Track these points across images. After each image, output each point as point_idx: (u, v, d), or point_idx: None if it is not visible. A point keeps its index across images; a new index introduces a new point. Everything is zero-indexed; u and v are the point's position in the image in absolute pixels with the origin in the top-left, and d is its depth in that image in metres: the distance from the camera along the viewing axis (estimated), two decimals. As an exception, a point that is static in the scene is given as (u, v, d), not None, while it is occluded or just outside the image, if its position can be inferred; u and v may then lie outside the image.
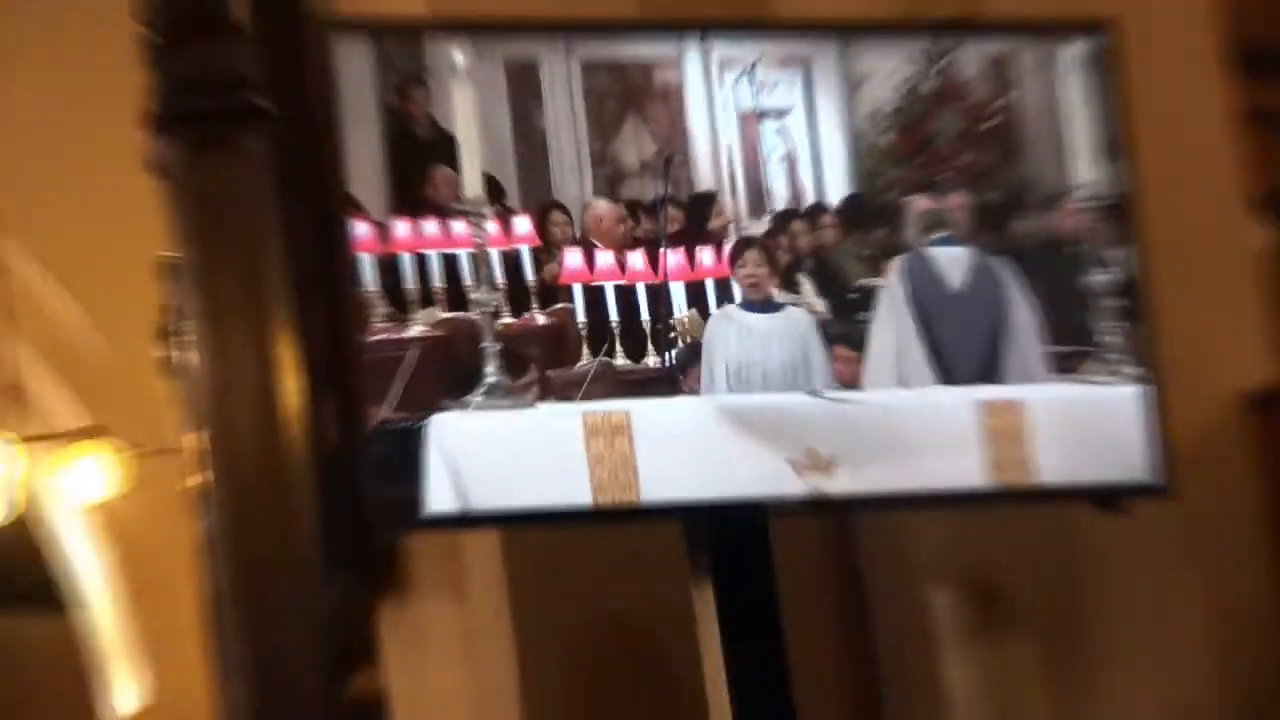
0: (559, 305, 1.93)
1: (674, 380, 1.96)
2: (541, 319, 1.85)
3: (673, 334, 1.90)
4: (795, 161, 2.06)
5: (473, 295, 1.82)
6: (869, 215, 2.06)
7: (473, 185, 1.87)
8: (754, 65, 2.02)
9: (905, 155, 2.08)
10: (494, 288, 1.82)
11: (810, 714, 1.97)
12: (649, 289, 1.95)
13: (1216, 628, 2.49)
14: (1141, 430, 1.97)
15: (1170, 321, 2.07)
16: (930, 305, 1.99)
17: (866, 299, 1.99)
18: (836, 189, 2.07)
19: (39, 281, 4.70)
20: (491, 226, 1.85)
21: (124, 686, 4.21)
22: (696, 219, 1.96)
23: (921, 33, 2.15)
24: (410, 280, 1.86)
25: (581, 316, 1.93)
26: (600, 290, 1.94)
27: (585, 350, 1.92)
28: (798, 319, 1.90)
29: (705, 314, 1.89)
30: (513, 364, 1.91)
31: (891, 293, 1.96)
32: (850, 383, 1.97)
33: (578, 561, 2.26)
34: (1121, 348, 1.98)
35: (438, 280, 1.82)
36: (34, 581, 4.35)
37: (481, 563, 2.31)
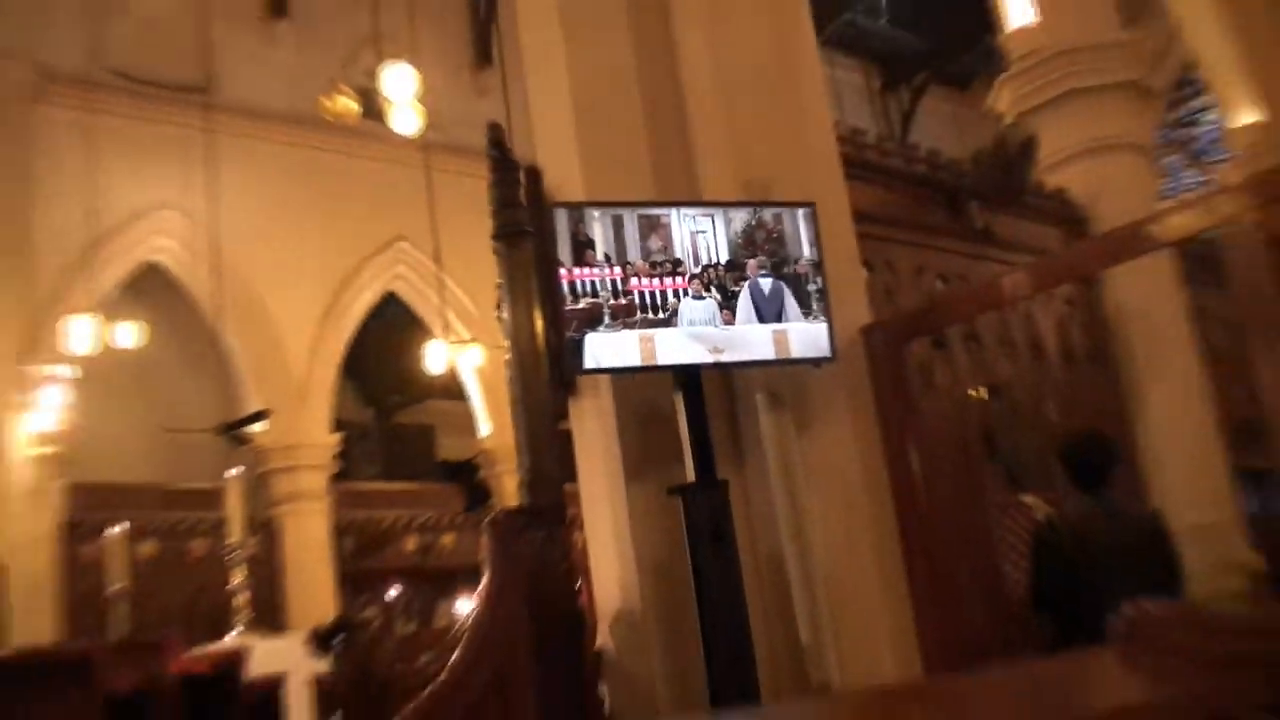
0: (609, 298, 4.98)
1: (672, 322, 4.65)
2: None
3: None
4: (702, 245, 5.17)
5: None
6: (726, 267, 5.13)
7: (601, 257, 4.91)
8: (690, 217, 5.09)
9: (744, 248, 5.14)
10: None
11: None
12: (655, 295, 5.00)
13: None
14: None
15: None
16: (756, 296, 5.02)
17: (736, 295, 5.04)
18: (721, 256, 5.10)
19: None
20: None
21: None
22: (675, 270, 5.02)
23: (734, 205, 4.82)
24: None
25: (614, 300, 4.98)
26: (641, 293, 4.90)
27: (639, 313, 4.89)
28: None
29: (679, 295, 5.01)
30: (622, 313, 4.58)
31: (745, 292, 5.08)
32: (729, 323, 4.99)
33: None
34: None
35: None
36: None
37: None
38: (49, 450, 12.38)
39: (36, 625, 11.50)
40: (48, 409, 12.20)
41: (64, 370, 12.12)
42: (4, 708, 4.51)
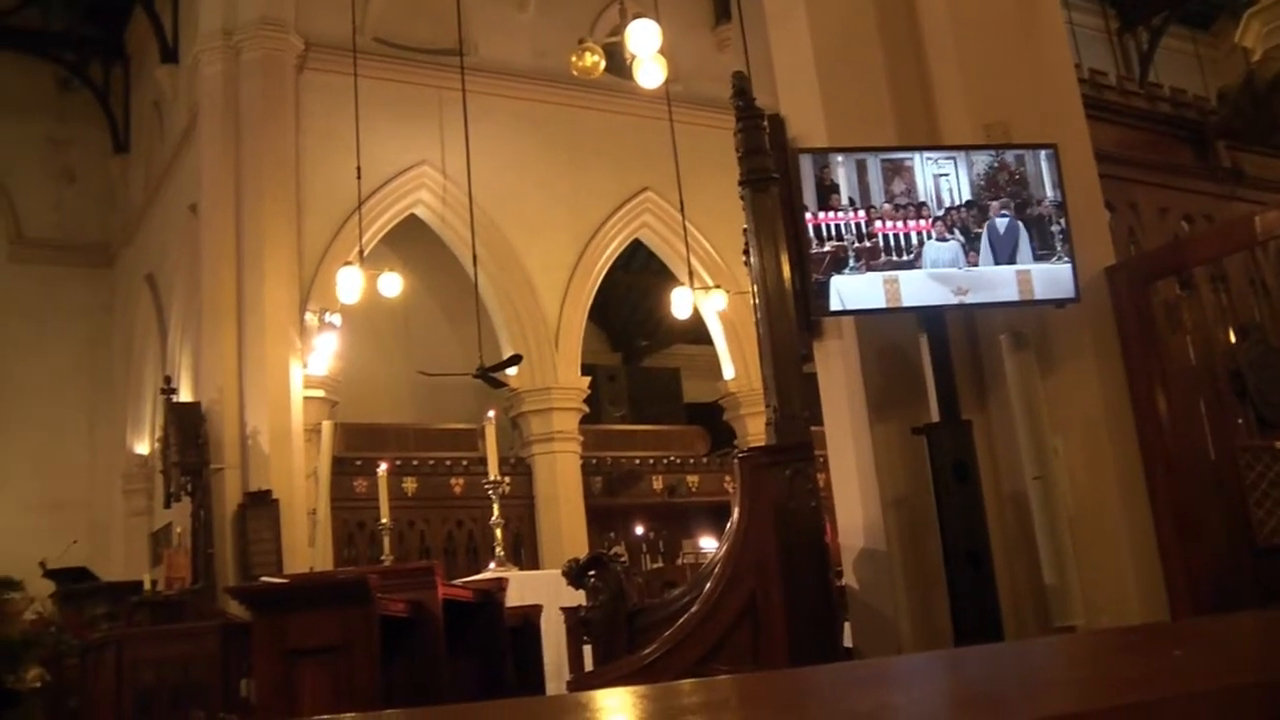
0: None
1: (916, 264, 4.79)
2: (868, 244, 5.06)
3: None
4: (944, 188, 5.24)
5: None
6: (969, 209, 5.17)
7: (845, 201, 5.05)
8: (933, 160, 5.15)
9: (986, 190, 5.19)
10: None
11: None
12: (899, 237, 5.07)
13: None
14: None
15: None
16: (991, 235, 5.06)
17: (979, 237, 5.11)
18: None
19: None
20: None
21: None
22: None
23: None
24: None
25: (859, 243, 5.05)
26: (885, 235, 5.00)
27: (883, 255, 5.01)
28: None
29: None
30: (866, 256, 4.82)
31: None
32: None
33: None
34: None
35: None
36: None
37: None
38: (320, 393, 13.20)
39: (308, 553, 12.32)
40: (320, 355, 12.99)
41: (334, 319, 12.86)
42: (296, 625, 4.94)
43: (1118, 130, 5.84)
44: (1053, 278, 4.79)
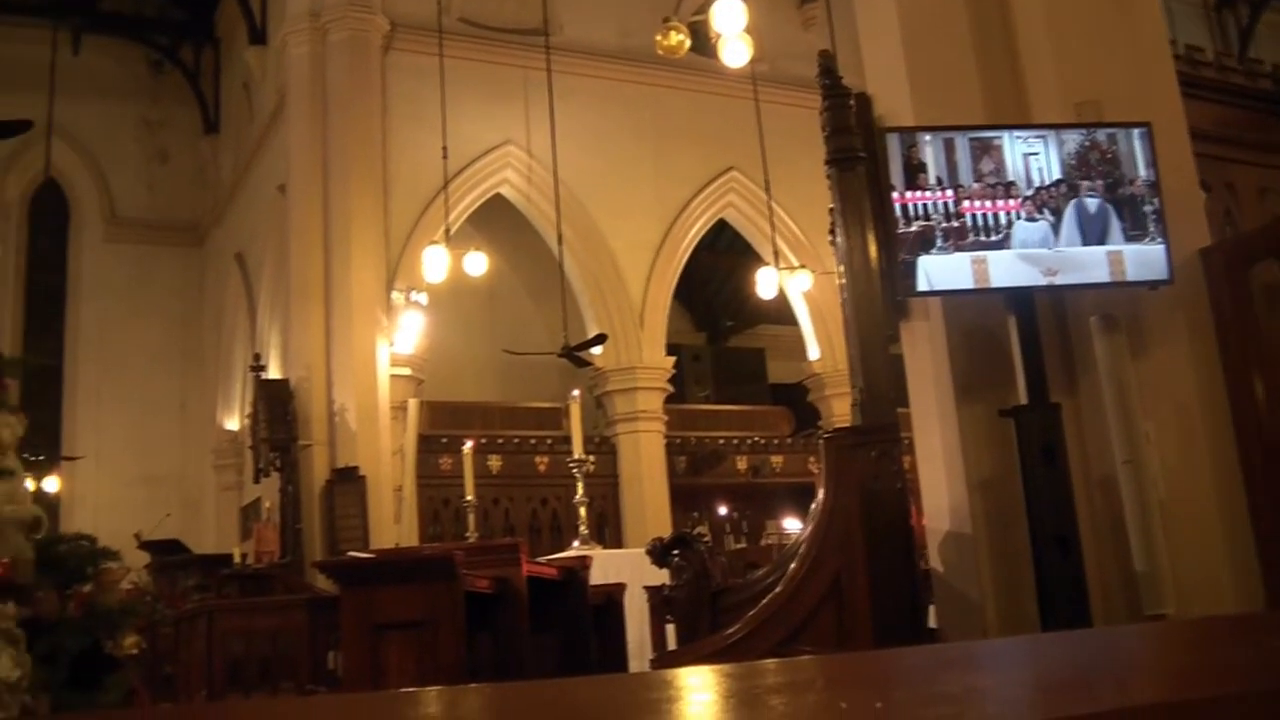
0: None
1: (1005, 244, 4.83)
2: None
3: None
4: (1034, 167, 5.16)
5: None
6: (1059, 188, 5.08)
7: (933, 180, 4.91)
8: (1022, 139, 5.06)
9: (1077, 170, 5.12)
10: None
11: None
12: (987, 217, 4.99)
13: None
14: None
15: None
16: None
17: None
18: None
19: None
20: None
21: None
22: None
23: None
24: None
25: (946, 223, 5.01)
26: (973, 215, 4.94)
27: (971, 235, 4.93)
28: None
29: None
30: (954, 236, 4.65)
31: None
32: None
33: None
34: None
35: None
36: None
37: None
38: (407, 371, 13.33)
39: (394, 529, 12.47)
40: (406, 333, 13.12)
41: (420, 297, 12.98)
42: (382, 599, 5.01)
43: (1214, 108, 5.72)
44: (1145, 259, 4.71)
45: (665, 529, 12.23)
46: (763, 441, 16.23)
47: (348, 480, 12.50)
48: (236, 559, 12.04)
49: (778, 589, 4.64)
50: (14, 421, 3.28)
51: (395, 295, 13.20)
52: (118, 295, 18.81)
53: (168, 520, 13.89)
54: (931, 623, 5.09)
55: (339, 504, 12.47)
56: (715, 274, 18.61)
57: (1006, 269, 4.71)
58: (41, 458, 13.95)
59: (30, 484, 3.82)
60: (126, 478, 17.69)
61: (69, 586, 3.37)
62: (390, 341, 13.12)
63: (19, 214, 18.99)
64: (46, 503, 14.37)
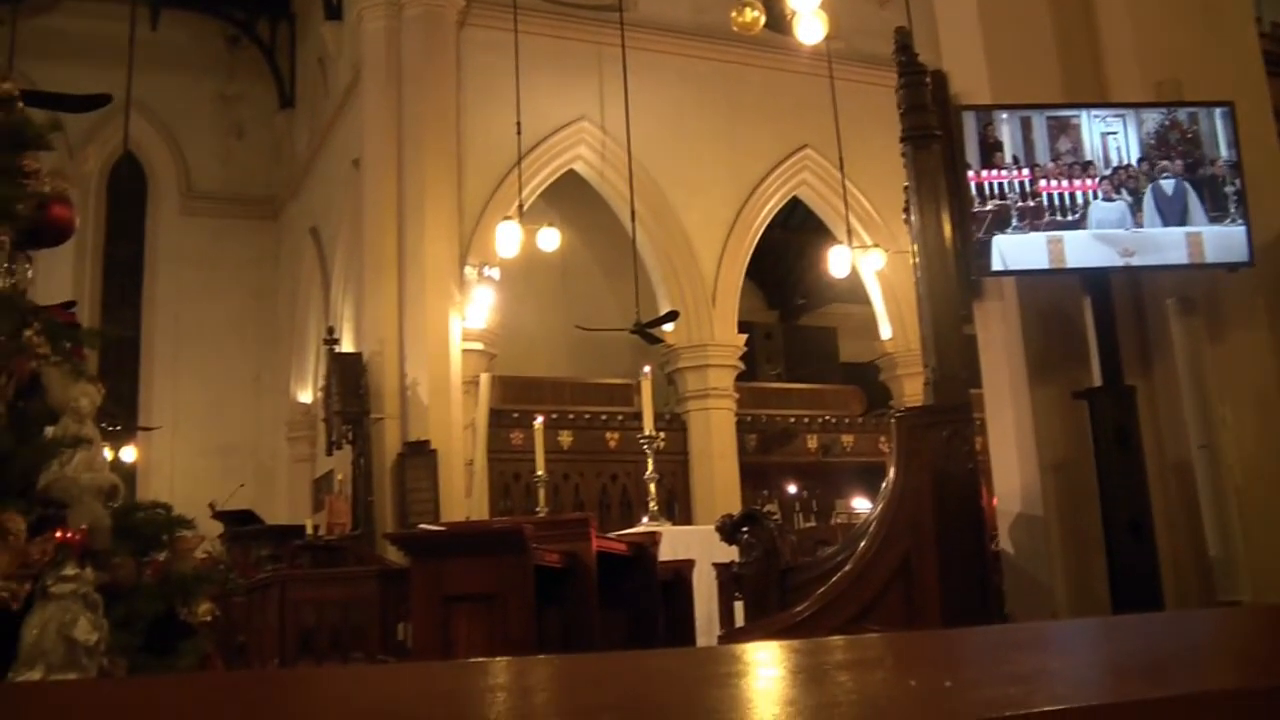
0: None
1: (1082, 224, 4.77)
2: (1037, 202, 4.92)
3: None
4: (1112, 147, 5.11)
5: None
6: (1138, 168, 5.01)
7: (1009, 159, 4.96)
8: (1100, 118, 5.00)
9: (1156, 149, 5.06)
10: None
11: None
12: (1064, 196, 4.93)
13: None
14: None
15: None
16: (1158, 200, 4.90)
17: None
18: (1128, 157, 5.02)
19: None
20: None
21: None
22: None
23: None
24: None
25: (1022, 202, 4.95)
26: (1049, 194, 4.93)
27: (1048, 215, 4.85)
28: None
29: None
30: (1030, 215, 4.56)
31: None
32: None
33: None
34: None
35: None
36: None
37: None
38: (479, 346, 13.43)
39: (465, 503, 12.58)
40: (478, 308, 13.21)
41: (492, 272, 13.06)
42: (453, 572, 5.06)
43: (1301, 87, 5.60)
44: (1225, 241, 4.63)
45: (734, 506, 12.20)
46: (833, 420, 16.19)
47: (419, 454, 12.62)
48: (309, 530, 12.20)
49: (847, 567, 4.64)
50: (92, 391, 3.34)
51: (468, 270, 13.29)
52: (194, 268, 19.10)
53: (241, 491, 14.09)
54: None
55: (410, 477, 12.60)
56: (788, 252, 18.53)
57: (1083, 249, 4.65)
58: (119, 427, 14.18)
59: (108, 453, 3.90)
60: (201, 448, 18.00)
61: (145, 553, 3.43)
62: (463, 316, 13.21)
63: (98, 187, 19.30)
64: (123, 472, 14.68)
